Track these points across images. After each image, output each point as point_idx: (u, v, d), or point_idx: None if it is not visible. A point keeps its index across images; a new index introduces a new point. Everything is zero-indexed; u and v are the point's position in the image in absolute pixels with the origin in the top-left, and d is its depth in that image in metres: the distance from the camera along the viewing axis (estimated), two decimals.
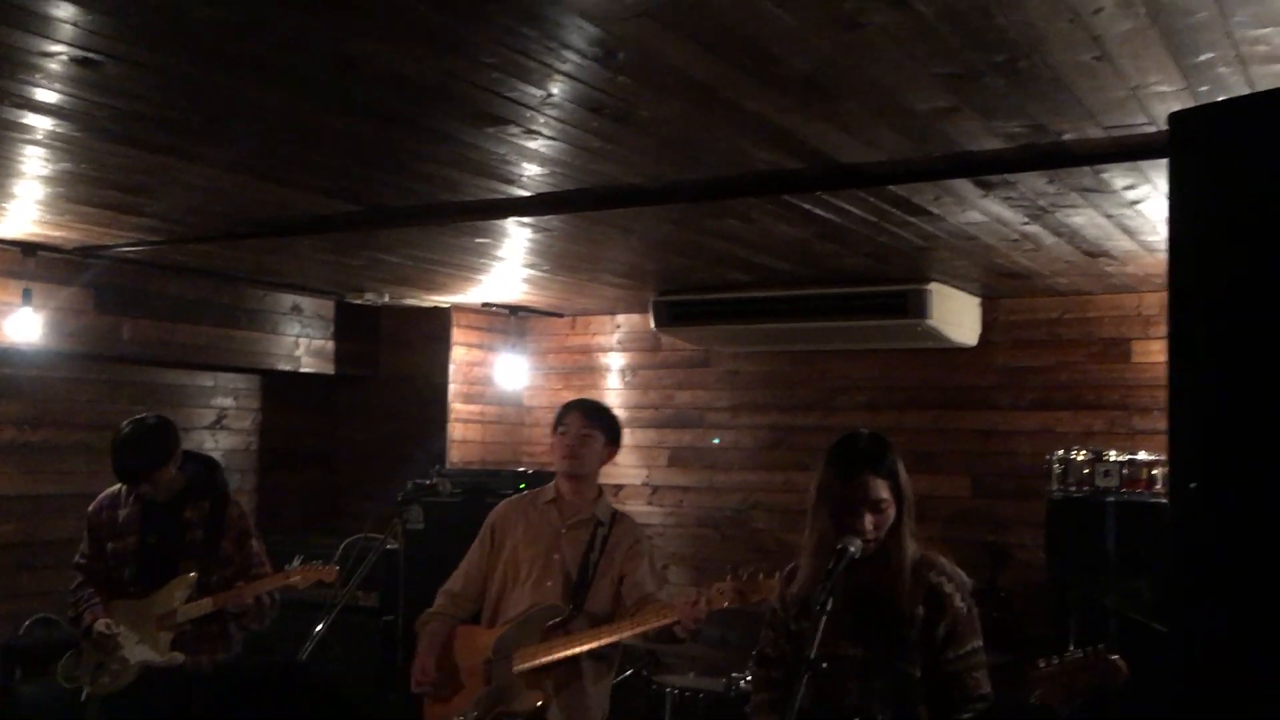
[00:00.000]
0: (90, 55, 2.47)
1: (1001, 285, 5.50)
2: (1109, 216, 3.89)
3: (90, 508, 4.35)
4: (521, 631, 3.65)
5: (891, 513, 2.79)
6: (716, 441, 6.77)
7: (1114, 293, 5.62)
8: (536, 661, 3.56)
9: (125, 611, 4.19)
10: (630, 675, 5.43)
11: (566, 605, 3.64)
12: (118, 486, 4.35)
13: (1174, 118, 2.03)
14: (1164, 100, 2.64)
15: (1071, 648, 2.52)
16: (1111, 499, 5.07)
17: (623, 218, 4.11)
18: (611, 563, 3.70)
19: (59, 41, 2.40)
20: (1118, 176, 3.35)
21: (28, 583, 5.63)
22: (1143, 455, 5.16)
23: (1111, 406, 5.67)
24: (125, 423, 4.22)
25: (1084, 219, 3.94)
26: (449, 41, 2.38)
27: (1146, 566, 4.99)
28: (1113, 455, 5.14)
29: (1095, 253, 4.56)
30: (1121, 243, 4.35)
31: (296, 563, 5.46)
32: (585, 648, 3.55)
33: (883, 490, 2.77)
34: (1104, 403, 5.69)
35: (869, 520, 2.75)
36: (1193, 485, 2.05)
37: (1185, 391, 2.03)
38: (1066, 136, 2.95)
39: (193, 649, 4.17)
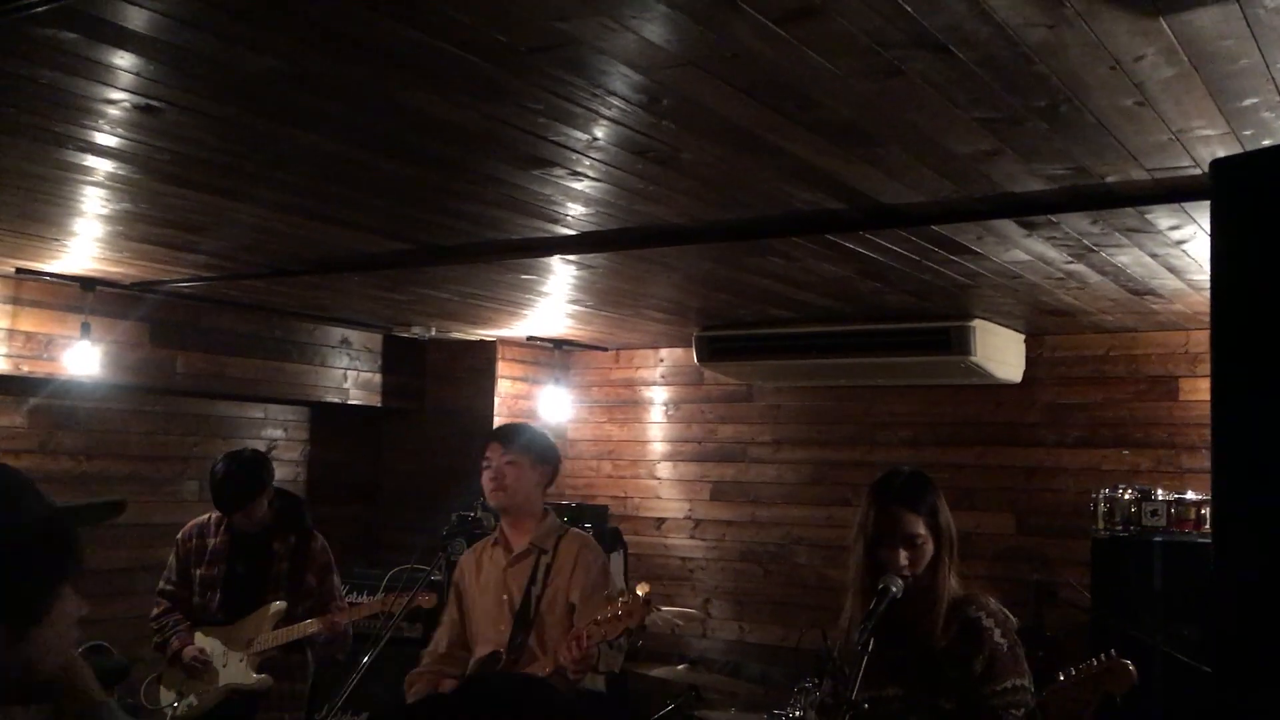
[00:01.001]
0: (151, 102, 2.56)
1: (1046, 322, 5.47)
2: (1154, 256, 3.88)
3: (179, 535, 4.53)
4: None
5: (929, 549, 2.79)
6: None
7: (1160, 330, 5.57)
8: None
9: (213, 637, 4.38)
10: (671, 710, 5.43)
11: (509, 651, 3.51)
12: (206, 516, 4.54)
13: (1215, 165, 2.03)
14: (1208, 144, 2.64)
15: (1090, 659, 2.51)
16: (1159, 539, 5.01)
17: (665, 255, 4.15)
18: (558, 590, 3.57)
19: (121, 89, 2.48)
20: (1162, 217, 3.34)
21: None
22: (1190, 495, 5.10)
23: (1158, 444, 5.61)
24: (222, 456, 4.44)
25: (1129, 258, 3.92)
26: (496, 89, 2.43)
27: (1194, 608, 4.93)
28: (1160, 494, 5.08)
29: (1141, 291, 4.53)
30: (1168, 281, 4.32)
31: (374, 594, 5.56)
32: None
33: (919, 526, 2.78)
34: (1151, 441, 5.63)
35: (903, 556, 2.76)
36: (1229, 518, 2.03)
37: (1228, 438, 2.02)
38: (1110, 179, 2.95)
39: (277, 675, 4.36)
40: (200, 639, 4.36)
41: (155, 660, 4.55)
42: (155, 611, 4.46)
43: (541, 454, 3.75)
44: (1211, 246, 2.01)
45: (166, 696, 4.40)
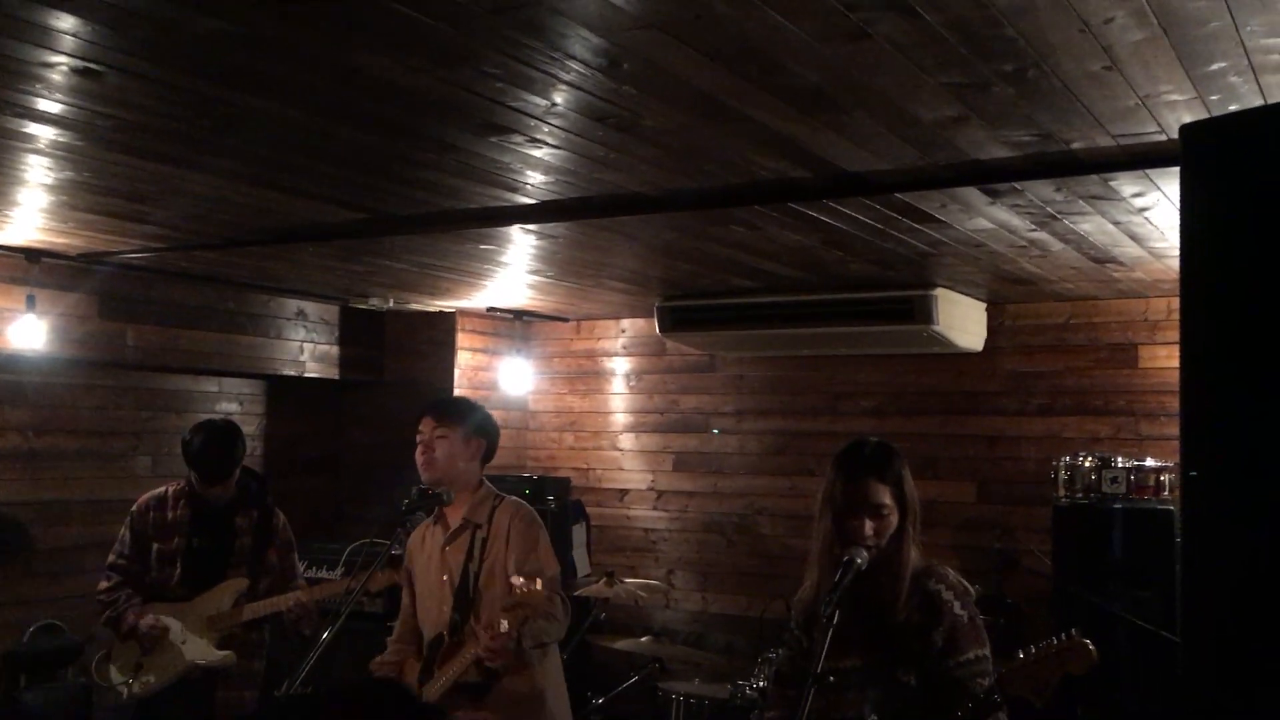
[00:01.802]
0: (91, 66, 2.46)
1: (1008, 290, 5.47)
2: (1117, 223, 3.87)
3: (135, 508, 4.40)
4: (425, 670, 3.52)
5: (893, 520, 2.77)
6: (716, 432, 6.74)
7: (1121, 298, 5.59)
8: (436, 692, 3.39)
9: (168, 613, 4.26)
10: (635, 682, 5.42)
11: (449, 632, 3.47)
12: (164, 489, 4.44)
13: (1185, 130, 2.01)
14: (1174, 109, 2.62)
15: (1050, 638, 2.50)
16: (1119, 506, 5.05)
17: (627, 225, 4.09)
18: (495, 563, 3.50)
19: (59, 52, 2.38)
20: (1126, 184, 3.33)
21: (31, 589, 5.62)
22: (1150, 462, 5.14)
23: (1118, 412, 5.65)
24: (194, 427, 4.36)
25: (1092, 226, 3.91)
26: (452, 52, 2.36)
27: (1154, 574, 4.97)
28: (1120, 462, 5.12)
29: (1103, 259, 4.54)
30: (1129, 249, 4.33)
31: (301, 568, 5.50)
32: (451, 674, 3.38)
33: (884, 496, 2.76)
34: (1111, 408, 5.67)
35: (869, 526, 2.74)
36: (1192, 473, 2.03)
37: (1196, 403, 2.01)
38: (1075, 145, 2.93)
39: (238, 652, 4.27)
40: (157, 613, 4.25)
41: (106, 638, 4.44)
42: (104, 585, 4.30)
43: (476, 427, 3.66)
44: (1181, 211, 1.99)
45: (119, 674, 4.29)
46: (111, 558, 4.37)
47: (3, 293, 5.03)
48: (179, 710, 4.23)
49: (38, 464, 5.69)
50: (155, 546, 4.31)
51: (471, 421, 3.66)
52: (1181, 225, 1.99)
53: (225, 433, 4.34)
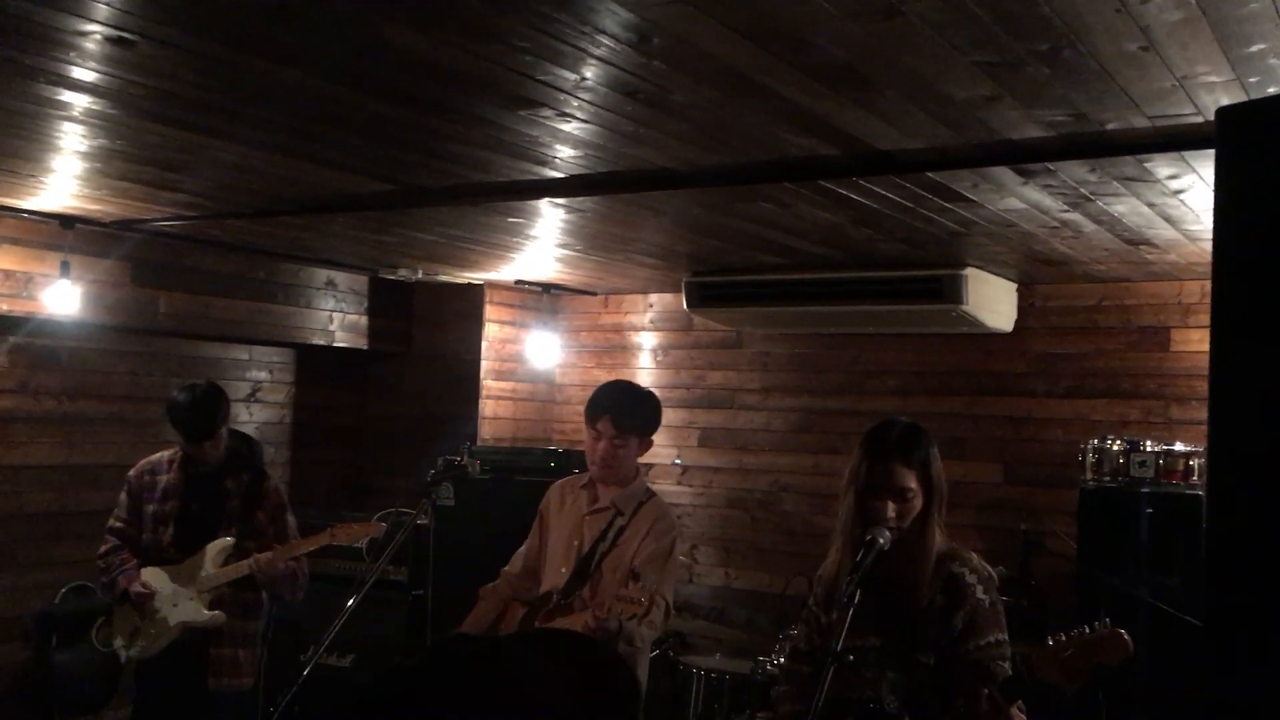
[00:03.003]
0: (124, 35, 2.47)
1: (1039, 271, 5.42)
2: (1151, 205, 3.82)
3: (131, 472, 4.49)
4: (527, 620, 3.64)
5: (918, 503, 2.77)
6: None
7: (1154, 280, 5.53)
8: None
9: (162, 575, 4.32)
10: (656, 656, 5.45)
11: (561, 595, 3.58)
12: (159, 454, 4.51)
13: (1221, 113, 1.98)
14: (1211, 91, 2.58)
15: (1083, 626, 2.49)
16: (1146, 489, 5.01)
17: (655, 200, 4.08)
18: (624, 554, 3.59)
19: (93, 20, 2.40)
20: (1161, 166, 3.29)
21: (63, 552, 5.72)
22: (1179, 446, 5.08)
23: (1148, 395, 5.60)
24: (179, 389, 4.37)
25: (1126, 207, 3.87)
26: (482, 26, 2.36)
27: (1180, 559, 4.94)
28: (1148, 445, 5.07)
29: (1136, 241, 4.49)
30: (1163, 231, 4.28)
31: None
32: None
33: (909, 479, 2.75)
34: (1141, 391, 5.62)
35: (892, 508, 2.74)
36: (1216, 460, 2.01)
37: (1227, 387, 1.99)
38: (1110, 126, 2.89)
39: (229, 612, 4.32)
40: (148, 575, 4.31)
41: (108, 614, 4.53)
42: (102, 549, 4.40)
43: (649, 431, 3.77)
44: (1215, 195, 1.97)
45: (119, 639, 4.38)
46: (111, 521, 4.46)
47: (37, 258, 5.09)
48: (172, 670, 4.30)
49: (70, 428, 5.77)
50: (149, 509, 4.39)
51: (648, 428, 3.76)
52: (1215, 209, 1.96)
53: (207, 393, 4.34)
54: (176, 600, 4.28)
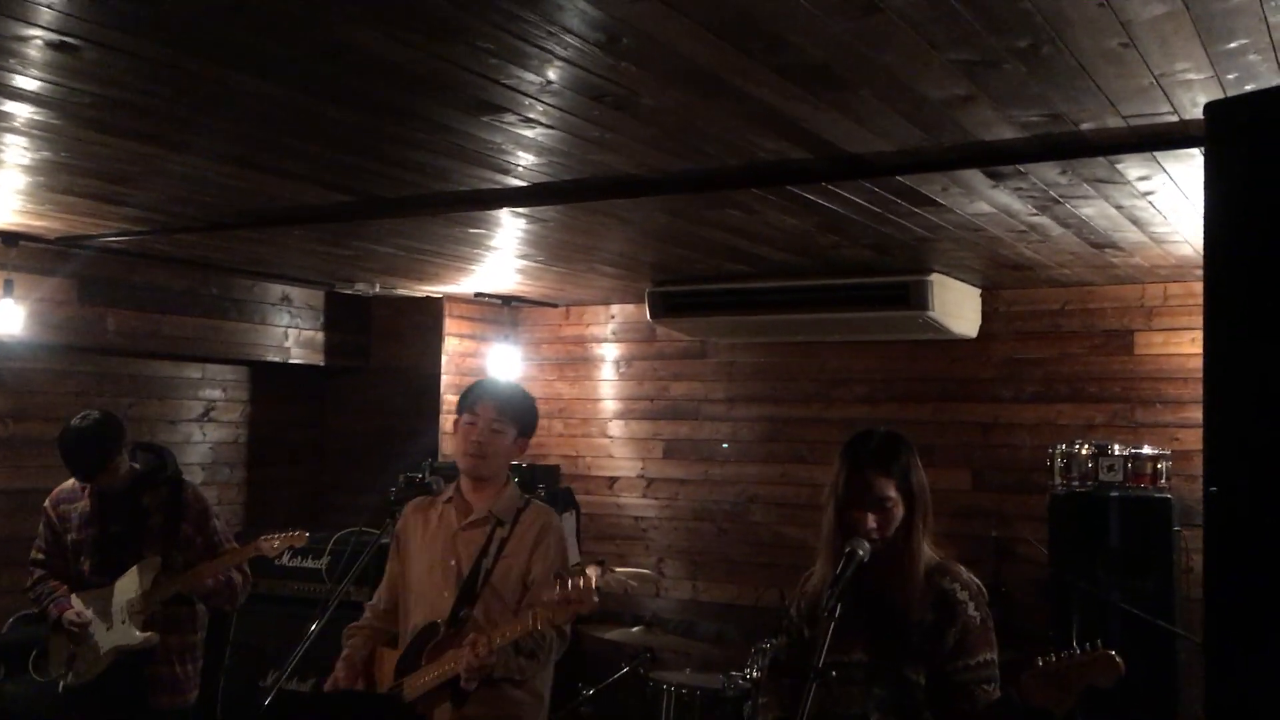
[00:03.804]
0: (67, 39, 2.36)
1: (1003, 276, 5.41)
2: (1119, 207, 3.80)
3: (46, 502, 4.37)
4: (409, 656, 3.34)
5: (898, 513, 2.70)
6: (726, 446, 6.66)
7: (1117, 284, 5.54)
8: (419, 689, 3.23)
9: (92, 601, 4.21)
10: (626, 673, 5.35)
11: (448, 624, 3.29)
12: (70, 481, 4.36)
13: (1211, 108, 1.94)
14: (1189, 89, 2.54)
15: (1074, 647, 2.43)
16: (1115, 494, 5.01)
17: (620, 208, 4.01)
18: (512, 566, 3.32)
19: (35, 25, 2.28)
20: (1133, 167, 3.26)
21: (9, 579, 5.51)
22: (1148, 449, 5.10)
23: (1114, 399, 5.60)
24: (69, 422, 4.20)
25: (1094, 210, 3.85)
26: (443, 26, 2.27)
27: (1151, 562, 4.93)
28: (1117, 449, 5.07)
29: (1102, 244, 4.47)
30: (1130, 234, 4.26)
31: (285, 559, 5.43)
32: (442, 673, 3.19)
33: (888, 489, 2.69)
34: (1106, 395, 5.62)
35: (871, 519, 2.67)
36: (1213, 489, 1.97)
37: (1221, 386, 1.95)
38: (1084, 126, 2.85)
39: (164, 629, 4.21)
40: (78, 603, 4.21)
41: (43, 645, 4.40)
42: (29, 581, 4.31)
43: (527, 427, 3.49)
44: (1205, 190, 1.93)
45: (56, 667, 4.28)
46: (33, 553, 4.34)
47: None
48: (112, 694, 4.19)
49: (15, 451, 5.58)
50: (69, 538, 4.28)
51: (529, 423, 3.50)
52: (1206, 205, 1.92)
53: (91, 427, 4.15)
54: (109, 624, 4.18)
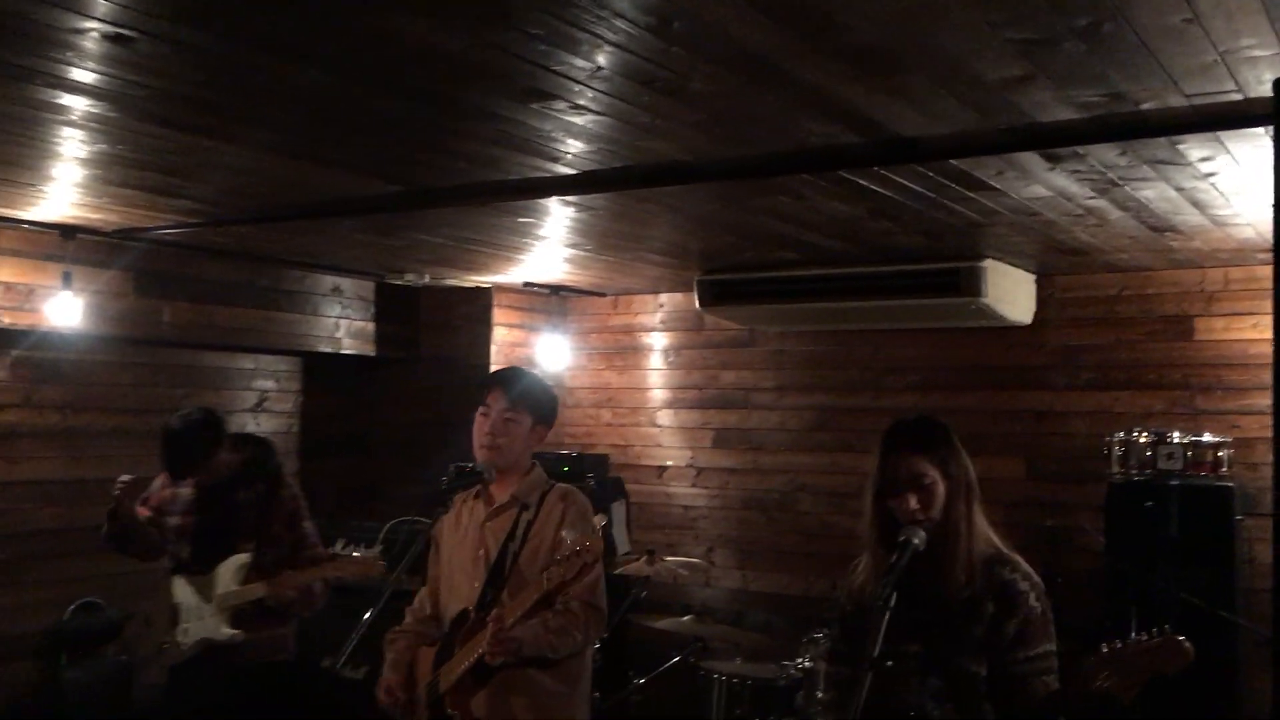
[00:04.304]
0: (123, 31, 2.38)
1: (1059, 262, 5.32)
2: (1180, 190, 3.72)
3: (156, 482, 4.42)
4: (445, 647, 3.33)
5: (939, 491, 2.66)
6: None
7: (1176, 268, 5.42)
8: (452, 678, 3.23)
9: (185, 587, 4.28)
10: (677, 662, 5.34)
11: (478, 609, 3.27)
12: None
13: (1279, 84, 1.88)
14: (1254, 66, 2.47)
15: (1139, 633, 2.38)
16: (1175, 482, 4.91)
17: (669, 196, 3.98)
18: (539, 547, 3.29)
19: (90, 17, 2.31)
20: (1194, 148, 3.19)
21: (69, 568, 5.62)
22: (1208, 437, 4.99)
23: (1173, 386, 5.49)
24: (172, 418, 4.29)
25: (1154, 192, 3.76)
26: (492, 13, 2.26)
27: (1210, 552, 4.84)
28: (1176, 437, 4.97)
29: (1162, 228, 4.38)
30: (1190, 217, 4.17)
31: (339, 546, 5.46)
32: (472, 657, 3.18)
33: (923, 466, 2.65)
34: (1165, 382, 5.51)
35: (912, 500, 2.64)
36: None
37: None
38: (1145, 106, 2.79)
39: (254, 625, 4.23)
40: (175, 586, 4.29)
41: (145, 616, 4.49)
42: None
43: (544, 414, 3.47)
44: (1276, 169, 1.87)
45: (163, 635, 4.33)
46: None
47: (38, 270, 5.01)
48: (205, 680, 4.24)
49: (74, 442, 5.68)
50: (172, 522, 4.35)
51: (545, 409, 3.48)
52: (1276, 178, 1.86)
53: (189, 426, 4.24)
54: (201, 615, 4.24)
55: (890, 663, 2.62)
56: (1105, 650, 2.36)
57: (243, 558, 4.25)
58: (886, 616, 2.59)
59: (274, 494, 4.38)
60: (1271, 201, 1.88)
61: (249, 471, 4.36)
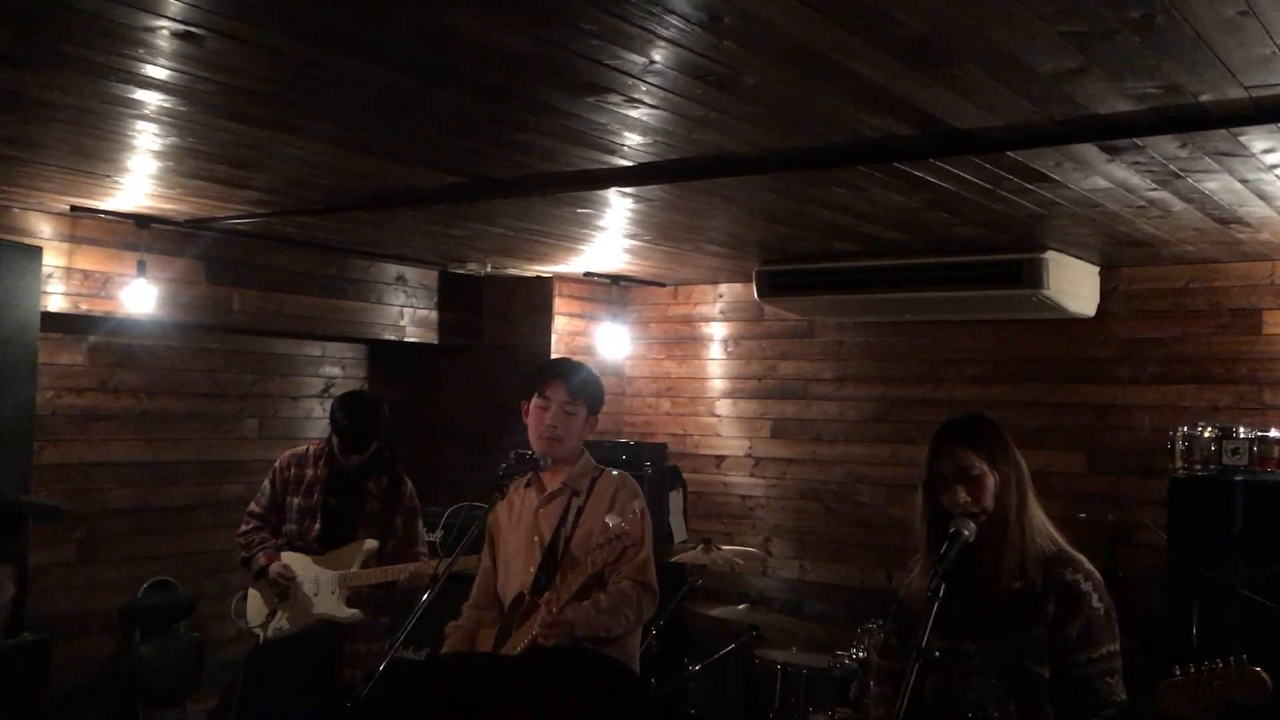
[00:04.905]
0: (192, 29, 2.46)
1: (1123, 253, 5.25)
2: (1244, 181, 3.66)
3: (278, 463, 4.65)
4: (504, 630, 3.43)
5: (989, 483, 2.66)
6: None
7: (1244, 261, 5.33)
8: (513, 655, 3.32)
9: (300, 564, 4.46)
10: (733, 650, 5.38)
11: (533, 592, 3.36)
12: (305, 447, 4.68)
13: None
14: None
15: (1217, 661, 2.32)
16: (1240, 478, 4.83)
17: (725, 187, 4.01)
18: (590, 531, 3.37)
19: (161, 16, 2.39)
20: (1257, 139, 3.14)
21: (144, 547, 5.81)
22: (1275, 432, 4.91)
23: (1240, 380, 5.40)
24: (342, 399, 4.58)
25: (1217, 184, 3.71)
26: (546, 9, 2.31)
27: (1276, 549, 4.76)
28: (1242, 432, 4.89)
29: (1227, 219, 4.31)
30: (1256, 209, 4.10)
31: (433, 531, 5.65)
32: (528, 637, 3.26)
33: (970, 459, 2.66)
34: (1232, 376, 5.42)
35: (961, 493, 2.65)
36: None
37: None
38: (1203, 98, 2.76)
39: (365, 608, 4.46)
40: (290, 559, 4.45)
41: (216, 594, 4.64)
42: (244, 528, 4.58)
43: (597, 406, 3.58)
44: None
45: (255, 615, 4.50)
46: (252, 505, 4.63)
47: (115, 258, 5.17)
48: (301, 657, 4.42)
49: (150, 425, 5.86)
50: (295, 501, 4.54)
51: (598, 401, 3.58)
52: None
53: (371, 406, 4.54)
54: (318, 590, 4.41)
55: (938, 654, 2.63)
56: (1180, 674, 2.31)
57: (371, 544, 4.46)
58: (935, 607, 2.59)
59: (398, 488, 4.61)
60: None
61: (378, 464, 4.59)
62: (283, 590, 4.39)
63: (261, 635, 4.45)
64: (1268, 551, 4.73)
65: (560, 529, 3.44)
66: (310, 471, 4.56)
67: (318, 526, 4.48)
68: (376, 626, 4.53)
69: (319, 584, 4.41)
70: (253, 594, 4.54)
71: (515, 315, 6.96)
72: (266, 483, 4.63)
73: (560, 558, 3.40)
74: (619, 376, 7.33)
